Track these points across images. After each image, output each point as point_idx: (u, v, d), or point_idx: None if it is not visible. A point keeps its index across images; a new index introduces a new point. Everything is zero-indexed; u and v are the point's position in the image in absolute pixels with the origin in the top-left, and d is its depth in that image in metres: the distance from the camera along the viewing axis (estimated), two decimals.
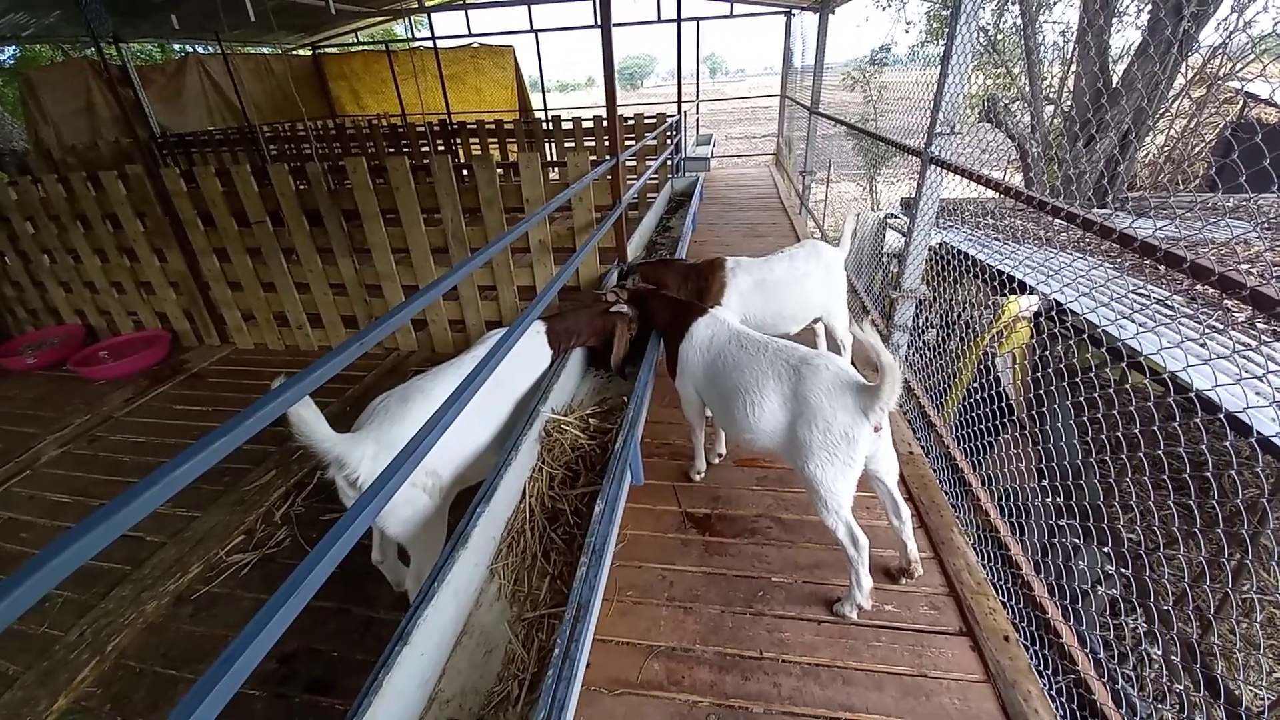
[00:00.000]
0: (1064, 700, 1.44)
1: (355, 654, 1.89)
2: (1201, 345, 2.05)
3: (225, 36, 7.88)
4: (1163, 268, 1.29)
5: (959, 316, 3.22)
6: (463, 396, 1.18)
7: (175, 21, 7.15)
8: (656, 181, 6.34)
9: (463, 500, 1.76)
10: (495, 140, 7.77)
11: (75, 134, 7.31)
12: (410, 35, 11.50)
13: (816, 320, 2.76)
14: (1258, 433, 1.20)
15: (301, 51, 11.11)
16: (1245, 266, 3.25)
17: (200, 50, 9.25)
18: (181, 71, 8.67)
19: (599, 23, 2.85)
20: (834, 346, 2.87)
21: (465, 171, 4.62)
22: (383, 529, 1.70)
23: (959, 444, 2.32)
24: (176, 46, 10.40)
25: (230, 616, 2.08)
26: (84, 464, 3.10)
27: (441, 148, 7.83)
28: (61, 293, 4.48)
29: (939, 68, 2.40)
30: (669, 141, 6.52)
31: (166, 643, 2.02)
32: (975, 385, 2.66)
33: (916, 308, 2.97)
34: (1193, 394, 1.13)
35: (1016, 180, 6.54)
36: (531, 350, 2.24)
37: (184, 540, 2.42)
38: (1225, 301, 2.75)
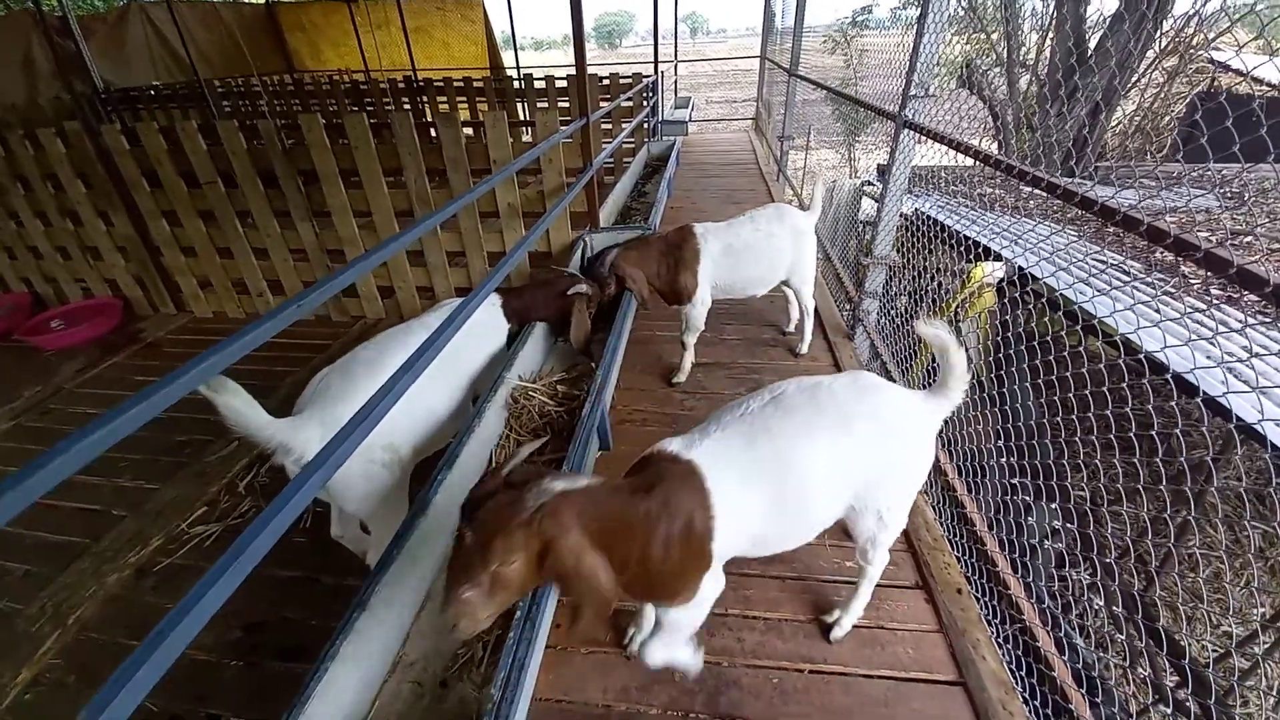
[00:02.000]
0: (1010, 647, 1.51)
1: (326, 620, 1.88)
2: (1155, 310, 2.10)
3: None
4: (1124, 233, 1.31)
5: (929, 283, 3.26)
6: (416, 366, 1.14)
7: None
8: (632, 145, 6.19)
9: (425, 470, 1.74)
10: (464, 99, 7.46)
11: (13, 90, 6.80)
12: None
13: (785, 285, 2.75)
14: (1204, 393, 1.24)
15: None
16: (1205, 234, 3.33)
17: None
18: (124, 21, 8.08)
19: None
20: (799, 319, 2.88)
21: (432, 131, 4.44)
22: (341, 506, 1.66)
23: None
24: None
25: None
26: (37, 436, 2.99)
27: (407, 106, 7.49)
28: (5, 258, 4.24)
29: (915, 28, 2.36)
30: (645, 104, 6.34)
31: (129, 614, 1.99)
32: None
33: (888, 275, 2.98)
34: (1142, 355, 1.16)
35: (991, 148, 6.56)
36: (487, 321, 2.17)
37: (144, 513, 2.36)
38: (1181, 268, 2.82)
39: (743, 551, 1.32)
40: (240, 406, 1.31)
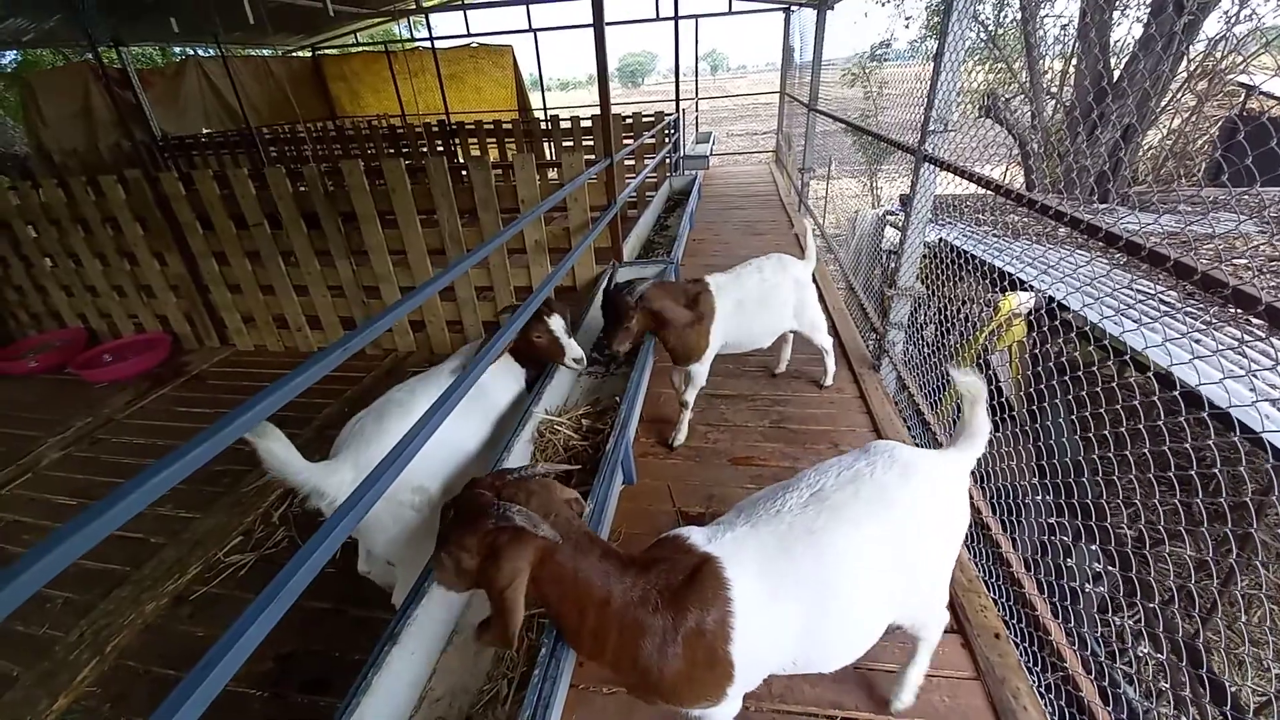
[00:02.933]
0: (1053, 697, 1.44)
1: (351, 653, 1.90)
2: (1196, 341, 2.04)
3: (224, 39, 7.90)
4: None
5: (956, 313, 3.22)
6: (443, 409, 1.16)
7: (174, 24, 7.18)
8: (655, 180, 6.34)
9: None
10: (494, 140, 7.78)
11: (71, 137, 7.35)
12: (410, 35, 11.53)
13: (793, 332, 2.71)
14: (1238, 423, 1.20)
15: (301, 53, 11.15)
16: (1243, 261, 3.24)
17: (201, 53, 9.29)
18: (180, 74, 8.71)
19: (593, 23, 2.85)
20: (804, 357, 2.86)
21: (463, 173, 4.64)
22: (369, 547, 1.67)
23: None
24: (177, 50, 10.46)
25: (228, 617, 2.08)
26: (86, 466, 3.13)
27: (441, 148, 7.85)
28: (63, 296, 4.52)
29: (932, 65, 2.40)
30: (667, 140, 6.51)
31: (165, 643, 2.04)
32: None
33: (914, 306, 2.96)
34: (1177, 392, 1.13)
35: (1018, 175, 6.52)
36: (507, 364, 2.20)
37: (183, 541, 2.44)
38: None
39: (781, 670, 1.16)
40: (279, 451, 1.36)
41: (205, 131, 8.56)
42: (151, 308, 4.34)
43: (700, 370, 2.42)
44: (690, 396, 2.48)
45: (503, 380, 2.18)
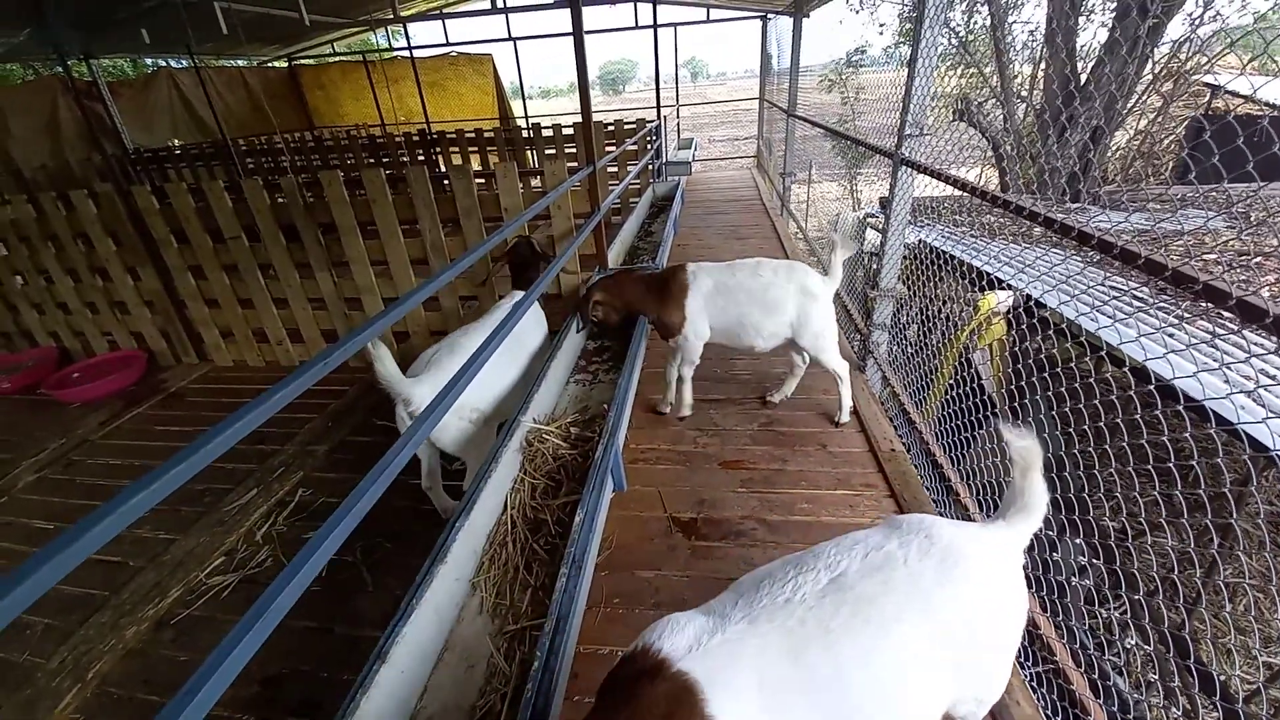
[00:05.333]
0: (1044, 691, 1.46)
1: (340, 673, 1.87)
2: (1169, 336, 2.10)
3: (196, 50, 7.79)
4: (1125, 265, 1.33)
5: (938, 313, 3.26)
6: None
7: (145, 36, 7.06)
8: (638, 186, 6.36)
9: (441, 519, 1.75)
10: (476, 149, 7.75)
11: (38, 152, 7.19)
12: (388, 44, 11.48)
13: (794, 350, 2.64)
14: (1213, 413, 1.23)
15: (277, 63, 11.03)
16: (1213, 256, 3.33)
17: (173, 64, 9.14)
18: (149, 85, 8.57)
19: (573, 31, 2.86)
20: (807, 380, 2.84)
21: (445, 182, 4.61)
22: (442, 447, 2.17)
23: (938, 439, 2.34)
24: (149, 61, 10.29)
25: (211, 640, 2.05)
26: (61, 489, 3.05)
27: (421, 158, 7.80)
28: (34, 315, 4.40)
29: (906, 71, 2.44)
30: (649, 147, 6.55)
31: (148, 669, 1.99)
32: (955, 381, 2.69)
33: (897, 306, 3.00)
34: (1152, 386, 1.16)
35: (992, 177, 6.66)
36: (536, 313, 2.82)
37: (162, 564, 2.38)
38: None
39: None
40: (389, 366, 1.88)
41: (178, 144, 8.42)
42: (126, 324, 4.24)
43: (686, 345, 2.54)
44: (686, 371, 2.65)
45: (531, 325, 2.75)
